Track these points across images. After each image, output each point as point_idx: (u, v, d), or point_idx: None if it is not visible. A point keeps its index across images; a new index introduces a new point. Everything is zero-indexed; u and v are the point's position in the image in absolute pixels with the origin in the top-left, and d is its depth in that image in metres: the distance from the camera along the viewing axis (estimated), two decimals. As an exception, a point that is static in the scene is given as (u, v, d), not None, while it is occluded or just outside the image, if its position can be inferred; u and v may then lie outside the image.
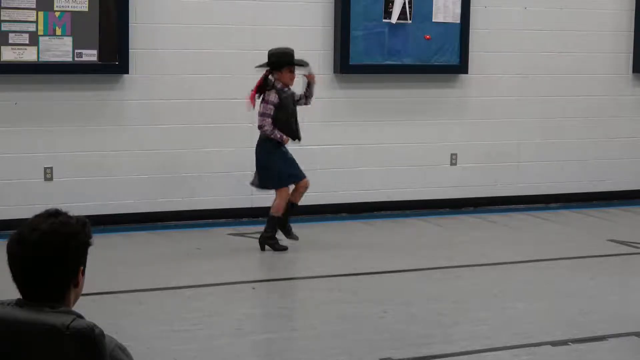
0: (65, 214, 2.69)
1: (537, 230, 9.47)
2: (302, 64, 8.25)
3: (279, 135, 8.08)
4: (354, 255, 8.21)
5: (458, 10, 9.89)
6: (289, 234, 8.38)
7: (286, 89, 8.16)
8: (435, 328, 6.28)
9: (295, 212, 8.51)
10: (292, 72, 8.14)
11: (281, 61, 8.08)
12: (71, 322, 2.52)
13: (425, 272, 7.75)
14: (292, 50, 8.19)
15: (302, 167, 8.38)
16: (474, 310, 6.70)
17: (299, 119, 8.34)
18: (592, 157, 10.71)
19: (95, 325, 2.54)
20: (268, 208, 8.45)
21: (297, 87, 8.42)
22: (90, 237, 2.70)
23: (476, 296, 7.06)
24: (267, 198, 8.63)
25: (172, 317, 6.41)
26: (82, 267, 2.69)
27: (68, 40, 8.64)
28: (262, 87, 8.11)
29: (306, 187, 8.34)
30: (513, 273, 7.79)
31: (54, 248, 2.60)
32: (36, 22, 8.54)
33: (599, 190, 10.78)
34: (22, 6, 8.49)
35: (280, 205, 8.23)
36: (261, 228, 8.56)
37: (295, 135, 8.24)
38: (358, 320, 6.44)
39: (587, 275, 7.69)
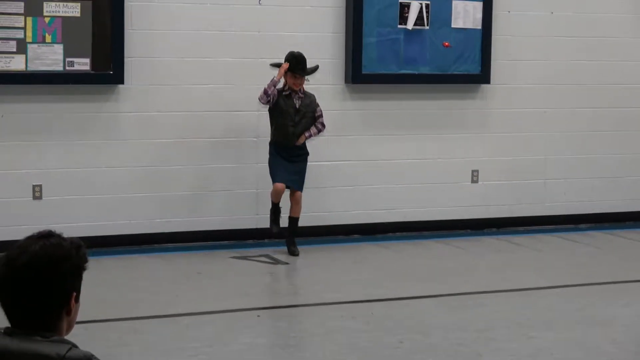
0: (58, 236, 2.70)
1: (565, 253, 9.45)
2: (305, 72, 8.79)
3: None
4: (367, 281, 8.19)
5: (479, 15, 9.89)
6: (289, 250, 9.02)
7: (291, 92, 8.83)
8: None
9: (298, 230, 9.03)
10: (294, 77, 8.77)
11: (290, 65, 8.78)
12: (67, 352, 2.52)
13: (445, 299, 7.73)
14: (298, 61, 8.74)
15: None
16: (497, 341, 6.67)
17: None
18: (625, 173, 10.68)
19: (92, 355, 2.54)
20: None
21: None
22: (85, 261, 2.71)
23: (500, 325, 7.03)
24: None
25: (170, 347, 6.40)
26: (74, 293, 2.67)
27: (59, 48, 8.66)
28: None
29: (296, 200, 8.90)
30: (540, 300, 7.77)
31: (43, 271, 2.60)
32: (24, 28, 8.57)
33: (633, 209, 10.74)
34: (9, 11, 8.52)
35: (271, 194, 8.93)
36: (267, 250, 9.12)
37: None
38: (372, 351, 6.41)
39: (621, 302, 7.66)
